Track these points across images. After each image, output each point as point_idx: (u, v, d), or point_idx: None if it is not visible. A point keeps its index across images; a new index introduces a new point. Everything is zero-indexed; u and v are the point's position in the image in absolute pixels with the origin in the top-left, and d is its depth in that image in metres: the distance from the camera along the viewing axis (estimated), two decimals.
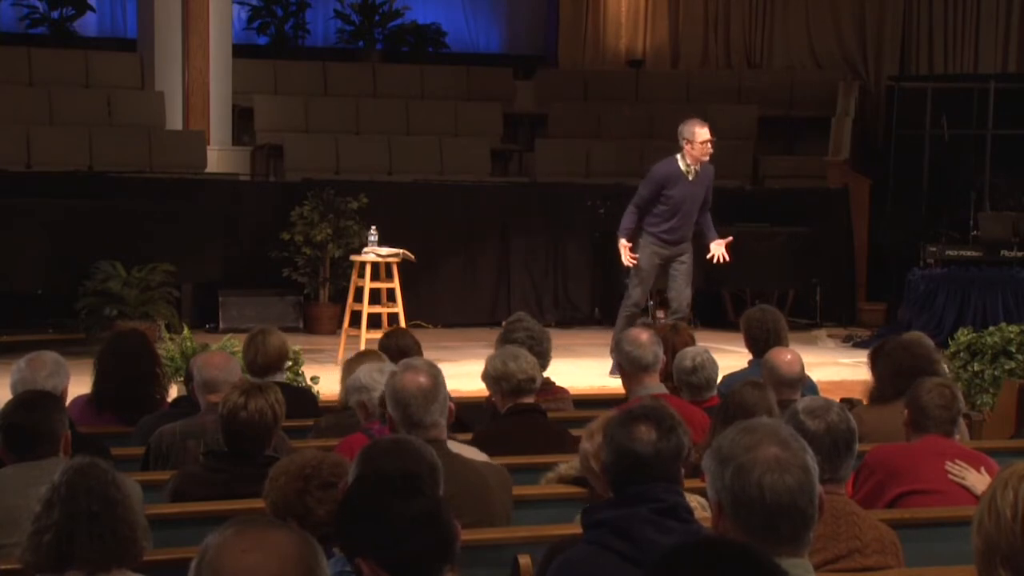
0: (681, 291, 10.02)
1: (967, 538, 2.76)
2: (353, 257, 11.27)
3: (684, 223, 9.96)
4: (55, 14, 16.11)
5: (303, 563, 2.16)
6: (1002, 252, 12.38)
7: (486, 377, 5.44)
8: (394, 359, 5.48)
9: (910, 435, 4.78)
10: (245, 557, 2.13)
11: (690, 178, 9.89)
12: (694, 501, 3.71)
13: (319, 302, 12.77)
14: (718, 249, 10.09)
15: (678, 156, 9.91)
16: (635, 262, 9.94)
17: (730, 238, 10.13)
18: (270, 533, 2.19)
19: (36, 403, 4.28)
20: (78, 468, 3.17)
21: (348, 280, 11.24)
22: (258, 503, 3.73)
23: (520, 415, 5.33)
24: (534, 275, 13.77)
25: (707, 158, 9.92)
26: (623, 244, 9.95)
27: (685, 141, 9.85)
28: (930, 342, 6.20)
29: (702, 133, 9.83)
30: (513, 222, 13.73)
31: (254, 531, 2.18)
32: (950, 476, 4.57)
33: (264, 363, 6.04)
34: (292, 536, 2.20)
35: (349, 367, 5.59)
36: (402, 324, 10.24)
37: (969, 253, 12.66)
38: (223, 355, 5.73)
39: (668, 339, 6.23)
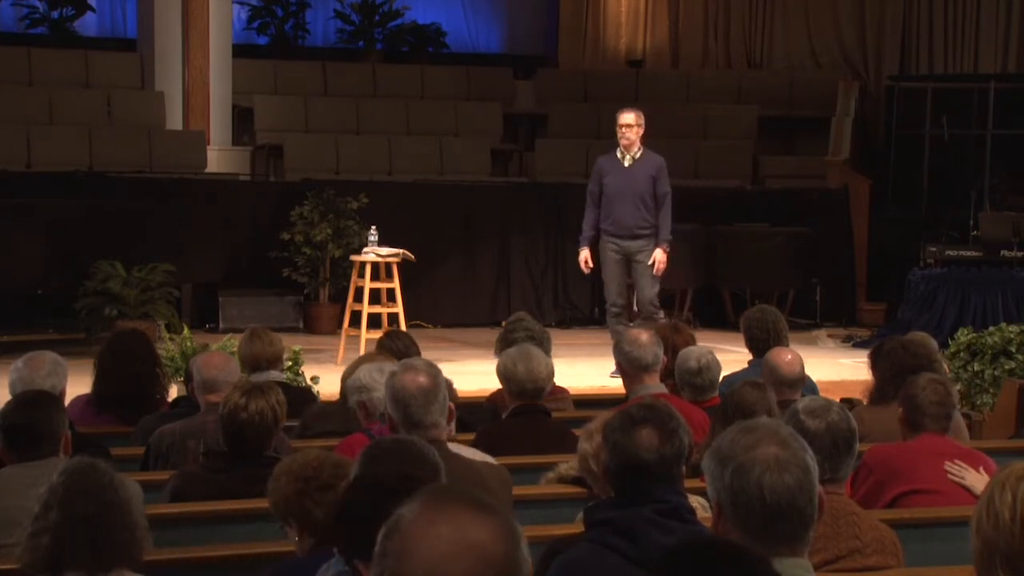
0: (643, 291, 9.92)
1: (967, 538, 2.76)
2: (353, 257, 11.27)
3: (626, 214, 9.85)
4: (55, 14, 16.11)
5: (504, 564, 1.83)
6: (1002, 252, 12.36)
7: (498, 373, 5.49)
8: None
9: (906, 434, 4.77)
10: (439, 543, 1.83)
11: (626, 164, 9.88)
12: (695, 501, 3.71)
13: (319, 302, 12.76)
14: (658, 255, 9.83)
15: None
16: (589, 270, 9.99)
17: (664, 255, 9.78)
18: (470, 519, 1.85)
19: (36, 403, 4.27)
20: (76, 470, 3.15)
21: (348, 280, 11.23)
22: (258, 503, 3.73)
23: (524, 415, 5.34)
24: (534, 275, 13.76)
25: (628, 143, 9.88)
26: (581, 254, 10.01)
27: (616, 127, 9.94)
28: (932, 342, 6.20)
29: (622, 118, 9.90)
30: (513, 222, 13.72)
31: (451, 511, 1.87)
32: (949, 476, 4.57)
33: (272, 357, 6.13)
34: (497, 528, 1.85)
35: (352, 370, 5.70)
36: (402, 324, 10.24)
37: (969, 253, 12.64)
38: (223, 355, 5.73)
39: (668, 339, 6.22)
